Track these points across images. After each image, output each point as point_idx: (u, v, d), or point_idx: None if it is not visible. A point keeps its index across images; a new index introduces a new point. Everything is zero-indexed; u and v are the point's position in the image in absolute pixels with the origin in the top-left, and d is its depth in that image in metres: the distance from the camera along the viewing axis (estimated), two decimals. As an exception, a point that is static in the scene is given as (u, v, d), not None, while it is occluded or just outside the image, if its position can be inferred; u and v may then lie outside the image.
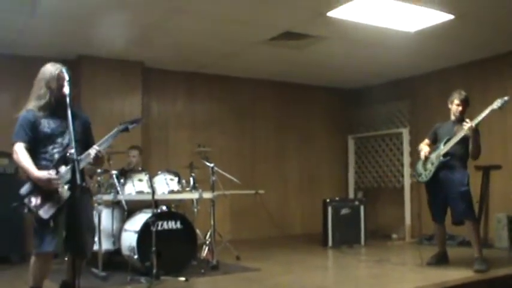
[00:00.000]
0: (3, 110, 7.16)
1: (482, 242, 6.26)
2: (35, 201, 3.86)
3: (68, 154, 3.86)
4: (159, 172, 6.55)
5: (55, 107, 4.10)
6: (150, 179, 6.02)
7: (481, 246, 6.01)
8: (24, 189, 3.89)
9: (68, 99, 3.74)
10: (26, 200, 3.86)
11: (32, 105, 4.11)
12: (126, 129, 4.22)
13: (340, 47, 7.73)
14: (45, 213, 3.86)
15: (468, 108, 6.22)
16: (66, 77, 3.89)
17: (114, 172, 6.21)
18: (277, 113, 10.07)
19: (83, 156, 4.04)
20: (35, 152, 4.04)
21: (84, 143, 4.14)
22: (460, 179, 6.02)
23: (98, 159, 4.12)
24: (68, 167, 3.87)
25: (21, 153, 3.97)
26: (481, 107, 8.28)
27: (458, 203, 5.99)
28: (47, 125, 4.07)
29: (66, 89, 3.82)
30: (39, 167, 3.96)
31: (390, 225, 9.69)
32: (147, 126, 8.62)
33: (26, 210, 3.91)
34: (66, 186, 3.84)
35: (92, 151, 4.04)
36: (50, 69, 4.13)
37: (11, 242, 6.79)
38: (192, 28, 6.81)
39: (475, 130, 5.80)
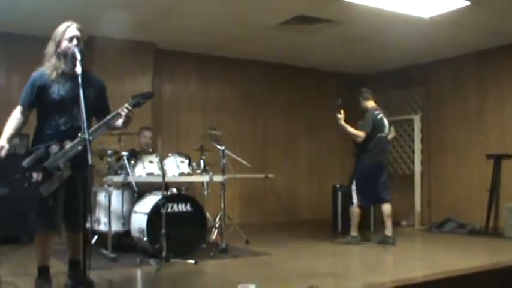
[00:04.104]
0: (15, 89, 7.13)
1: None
2: (36, 176, 3.79)
3: (78, 134, 3.77)
4: (170, 154, 6.50)
5: (67, 70, 3.98)
6: (161, 161, 6.01)
7: (354, 228, 7.05)
8: (26, 162, 3.83)
9: (79, 79, 3.68)
10: (27, 174, 3.81)
11: (46, 65, 4.06)
12: (137, 104, 4.09)
13: (353, 32, 7.65)
14: (45, 190, 3.80)
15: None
16: (78, 57, 3.82)
17: (124, 153, 6.18)
18: (288, 97, 10.02)
19: (108, 117, 3.97)
20: (43, 118, 3.98)
21: (98, 108, 4.07)
22: None
23: (128, 120, 4.07)
24: (73, 143, 3.81)
25: (12, 116, 3.98)
26: (495, 95, 8.24)
27: None
28: (57, 91, 3.96)
29: (78, 69, 3.74)
30: (44, 136, 3.93)
31: (400, 212, 9.62)
32: (158, 108, 8.59)
33: (26, 184, 3.86)
34: (68, 164, 3.81)
35: (123, 111, 3.97)
36: (60, 27, 4.20)
37: (20, 222, 6.79)
38: (203, 11, 6.76)
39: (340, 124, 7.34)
